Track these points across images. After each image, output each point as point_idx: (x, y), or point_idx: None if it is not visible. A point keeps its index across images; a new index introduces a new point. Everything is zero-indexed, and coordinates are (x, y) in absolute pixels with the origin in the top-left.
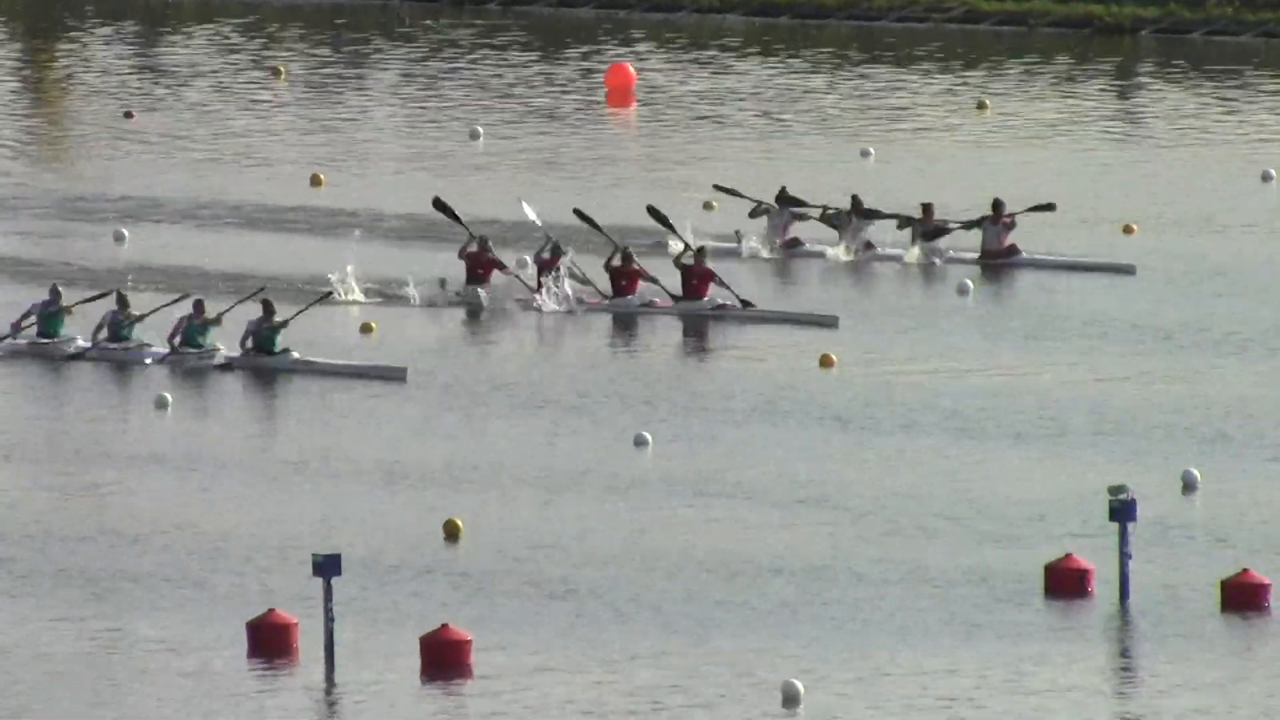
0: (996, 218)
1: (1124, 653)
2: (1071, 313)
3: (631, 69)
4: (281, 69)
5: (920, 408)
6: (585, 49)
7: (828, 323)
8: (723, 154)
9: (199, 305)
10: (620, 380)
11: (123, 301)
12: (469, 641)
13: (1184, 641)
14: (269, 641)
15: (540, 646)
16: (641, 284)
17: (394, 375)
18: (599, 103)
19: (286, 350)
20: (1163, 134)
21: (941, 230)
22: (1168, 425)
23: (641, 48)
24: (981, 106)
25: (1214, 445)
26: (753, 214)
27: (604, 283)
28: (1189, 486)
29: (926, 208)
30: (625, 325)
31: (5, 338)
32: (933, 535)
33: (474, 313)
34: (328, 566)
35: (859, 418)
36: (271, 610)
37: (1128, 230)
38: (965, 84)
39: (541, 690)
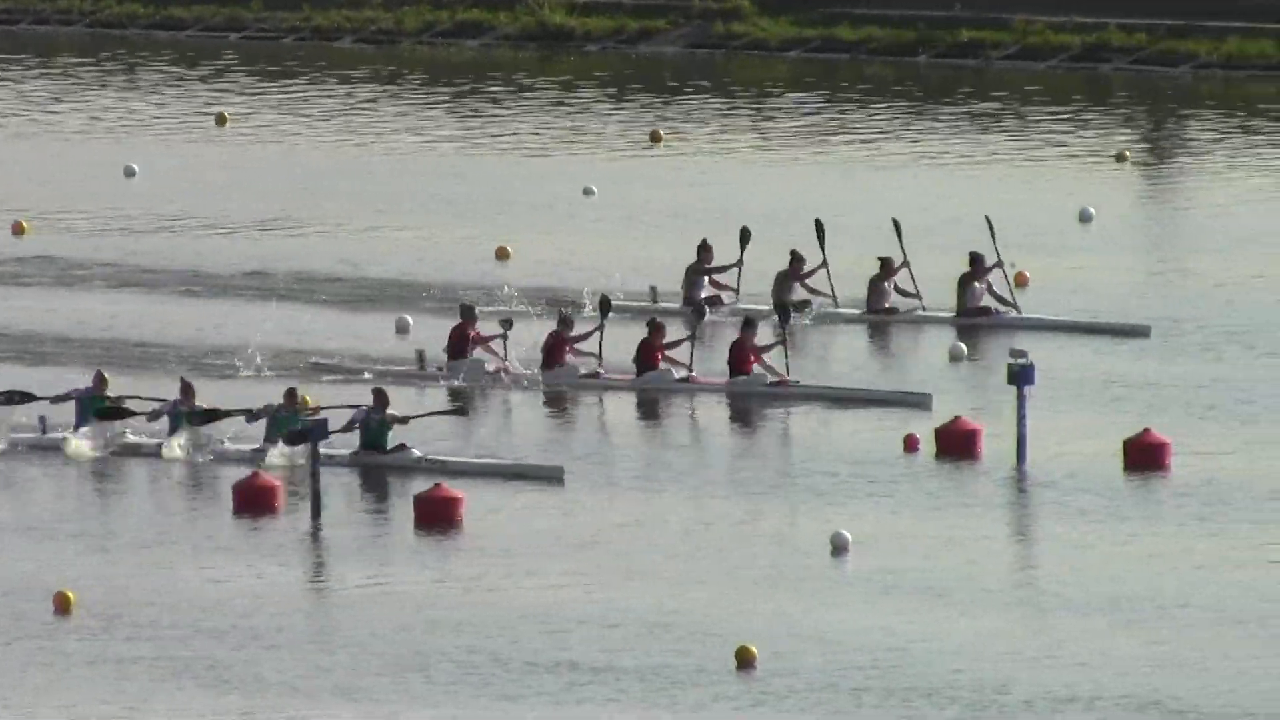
0: (977, 273)
1: None
2: None
3: None
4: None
5: None
6: None
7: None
8: None
9: (291, 394)
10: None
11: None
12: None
13: None
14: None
15: None
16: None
17: (550, 475)
18: None
19: (403, 446)
20: None
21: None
22: None
23: None
24: None
25: None
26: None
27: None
28: None
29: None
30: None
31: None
32: None
33: (458, 392)
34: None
35: None
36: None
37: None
38: None
39: None
